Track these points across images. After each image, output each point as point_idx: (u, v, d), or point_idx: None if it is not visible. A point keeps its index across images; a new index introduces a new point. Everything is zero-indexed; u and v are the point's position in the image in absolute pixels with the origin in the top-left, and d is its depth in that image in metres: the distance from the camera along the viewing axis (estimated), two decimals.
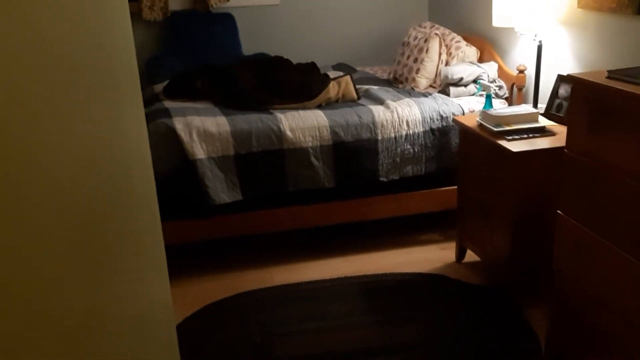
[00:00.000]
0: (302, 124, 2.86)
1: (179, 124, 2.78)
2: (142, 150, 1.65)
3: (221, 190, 2.79)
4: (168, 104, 3.07)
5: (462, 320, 2.55)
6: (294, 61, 3.59)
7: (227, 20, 4.06)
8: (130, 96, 1.59)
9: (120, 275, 1.55)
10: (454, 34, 3.58)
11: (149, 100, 3.27)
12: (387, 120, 2.97)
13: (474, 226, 2.82)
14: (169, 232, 2.81)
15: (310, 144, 2.86)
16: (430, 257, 3.06)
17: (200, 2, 4.02)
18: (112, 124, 1.49)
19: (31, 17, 1.13)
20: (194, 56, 3.91)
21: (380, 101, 3.11)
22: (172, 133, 2.76)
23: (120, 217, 1.55)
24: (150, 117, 2.90)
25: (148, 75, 3.84)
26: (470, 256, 2.96)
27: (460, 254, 3.00)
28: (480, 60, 3.47)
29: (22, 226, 1.14)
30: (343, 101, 3.16)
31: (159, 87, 3.42)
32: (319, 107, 3.06)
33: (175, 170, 2.77)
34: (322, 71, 3.45)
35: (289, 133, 2.83)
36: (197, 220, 2.86)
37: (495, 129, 2.58)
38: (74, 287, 1.33)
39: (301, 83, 3.12)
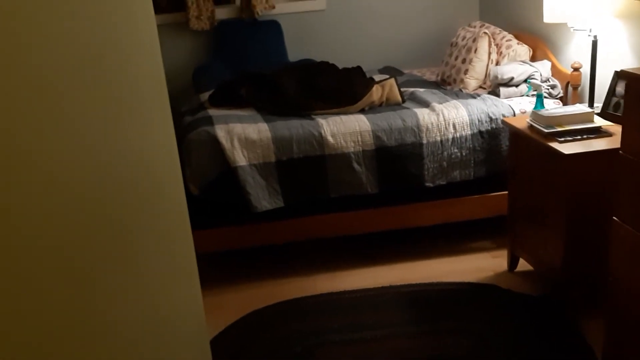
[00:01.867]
0: (344, 129, 2.80)
1: (220, 131, 2.77)
2: (171, 158, 1.64)
3: (263, 197, 2.76)
4: (212, 112, 3.07)
5: (513, 332, 2.41)
6: (340, 66, 3.54)
7: (272, 28, 4.06)
8: (158, 104, 1.58)
9: (147, 282, 1.53)
10: (505, 33, 3.43)
11: (196, 109, 3.29)
12: (432, 123, 2.86)
13: (526, 233, 2.68)
14: (211, 239, 2.82)
15: (352, 149, 2.79)
16: (480, 265, 2.93)
17: (247, 10, 4.03)
18: (139, 131, 1.49)
19: (60, 30, 1.14)
20: (241, 64, 3.93)
21: (425, 104, 3.01)
22: (214, 140, 2.76)
23: (148, 222, 1.54)
24: (193, 126, 2.92)
25: (195, 84, 3.88)
26: (523, 265, 2.81)
27: (512, 262, 2.85)
28: (533, 59, 3.31)
29: (48, 228, 1.14)
30: (387, 105, 3.08)
31: (205, 96, 3.44)
32: (362, 111, 2.99)
33: (217, 177, 2.77)
34: (368, 75, 3.38)
35: (330, 138, 2.78)
36: (239, 227, 2.85)
37: (546, 130, 2.44)
38: (96, 292, 1.32)
39: (344, 87, 3.06)
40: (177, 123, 3.19)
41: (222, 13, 4.10)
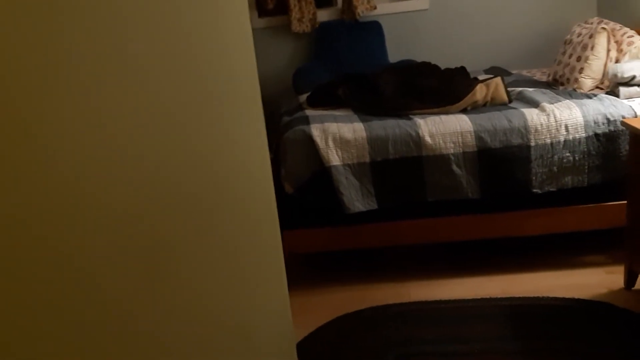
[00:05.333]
0: (443, 129, 2.67)
1: (315, 130, 2.73)
2: (261, 154, 1.61)
3: (356, 198, 2.68)
4: (309, 112, 3.05)
5: (628, 356, 2.16)
6: (443, 67, 3.40)
7: (374, 29, 3.99)
8: (250, 101, 1.56)
9: (232, 278, 1.51)
10: (626, 29, 3.13)
11: (294, 109, 3.29)
12: (541, 125, 2.65)
13: None
14: (304, 239, 2.79)
15: (451, 151, 2.64)
16: (592, 281, 2.66)
17: (348, 12, 4.00)
18: (231, 126, 1.47)
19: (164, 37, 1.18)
20: (341, 65, 3.89)
21: (535, 104, 2.80)
22: (309, 140, 2.72)
23: (236, 218, 1.52)
24: (290, 125, 2.91)
25: (295, 86, 3.90)
26: None
27: (630, 279, 2.57)
28: None
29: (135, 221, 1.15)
30: (492, 105, 2.90)
31: (304, 97, 3.43)
32: (464, 111, 2.83)
33: (311, 176, 2.73)
34: (472, 75, 3.22)
35: (428, 139, 2.65)
36: (332, 228, 2.78)
37: None
38: (179, 286, 1.30)
39: (444, 87, 2.92)
40: (276, 123, 3.21)
41: (324, 15, 4.10)
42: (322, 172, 2.70)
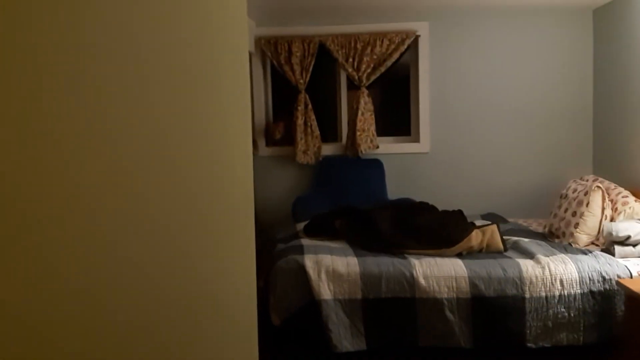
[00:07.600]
0: (438, 272, 2.64)
1: (309, 261, 2.71)
2: (248, 285, 1.57)
3: (344, 336, 2.60)
4: (305, 241, 3.05)
5: None
6: (440, 208, 3.45)
7: (375, 166, 4.10)
8: (244, 238, 1.54)
9: None
10: (621, 189, 3.21)
11: (290, 237, 3.30)
12: (536, 277, 2.63)
13: None
14: None
15: (445, 295, 2.60)
16: None
17: (351, 148, 4.13)
18: (220, 247, 1.46)
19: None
20: (341, 198, 3.95)
21: (530, 255, 2.80)
22: (301, 270, 2.69)
23: (210, 344, 1.46)
24: (284, 253, 2.89)
25: (294, 214, 3.93)
26: None
27: None
28: None
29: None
30: (487, 252, 2.90)
31: (301, 225, 3.45)
32: (459, 255, 2.83)
33: (300, 309, 2.67)
34: (469, 220, 3.25)
35: (422, 280, 2.61)
36: None
37: None
38: None
39: (441, 229, 2.94)
40: (270, 250, 3.19)
41: (328, 149, 4.23)
42: (311, 305, 2.64)
